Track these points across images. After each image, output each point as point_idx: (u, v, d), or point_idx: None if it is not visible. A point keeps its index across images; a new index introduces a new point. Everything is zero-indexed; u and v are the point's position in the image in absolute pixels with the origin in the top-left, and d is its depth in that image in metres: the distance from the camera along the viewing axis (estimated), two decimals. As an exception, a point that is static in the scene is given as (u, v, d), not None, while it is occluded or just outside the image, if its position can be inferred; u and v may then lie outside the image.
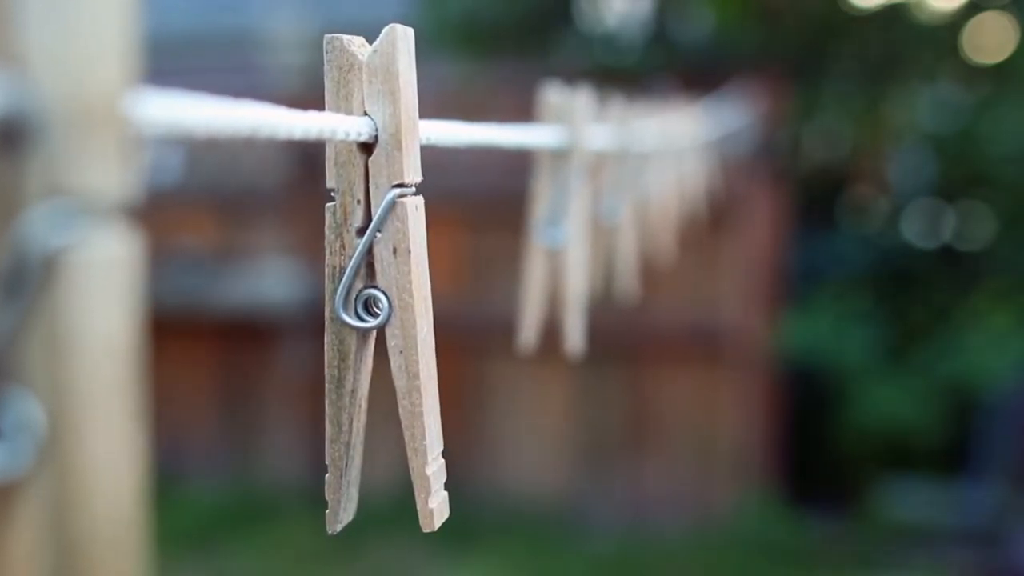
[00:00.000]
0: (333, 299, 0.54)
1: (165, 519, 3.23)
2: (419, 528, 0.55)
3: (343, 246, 0.54)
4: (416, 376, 0.54)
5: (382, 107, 0.53)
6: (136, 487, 0.33)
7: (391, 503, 2.79)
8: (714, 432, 3.52)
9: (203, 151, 3.60)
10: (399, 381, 0.55)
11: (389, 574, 3.26)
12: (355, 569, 3.26)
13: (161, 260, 3.64)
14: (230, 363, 3.90)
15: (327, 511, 0.56)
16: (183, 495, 3.64)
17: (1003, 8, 3.66)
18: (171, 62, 3.58)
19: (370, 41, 0.55)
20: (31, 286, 0.31)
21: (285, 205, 3.75)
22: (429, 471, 0.55)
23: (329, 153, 0.54)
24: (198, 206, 3.82)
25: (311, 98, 0.59)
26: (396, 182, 0.53)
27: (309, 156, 3.61)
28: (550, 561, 3.33)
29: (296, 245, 3.70)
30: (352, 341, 0.55)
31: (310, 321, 3.61)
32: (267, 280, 3.73)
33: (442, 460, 0.57)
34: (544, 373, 3.60)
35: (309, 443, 3.73)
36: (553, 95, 0.97)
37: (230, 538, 3.43)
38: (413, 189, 0.55)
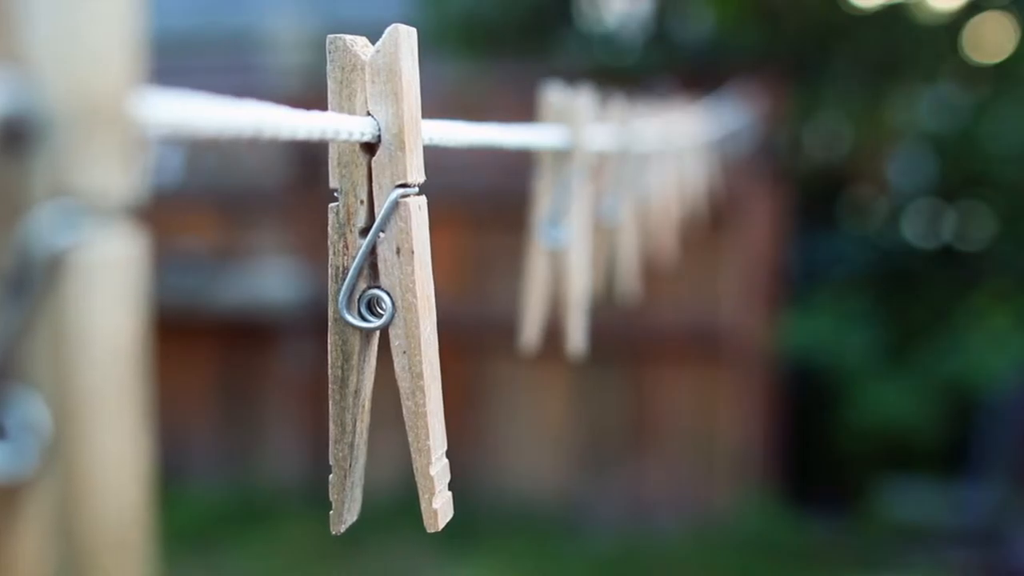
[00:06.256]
0: (336, 299, 0.54)
1: (165, 519, 3.23)
2: (420, 528, 0.55)
3: (346, 246, 0.54)
4: (420, 376, 0.54)
5: (385, 107, 0.53)
6: (141, 487, 0.33)
7: (392, 503, 2.79)
8: (714, 432, 3.52)
9: (203, 151, 3.60)
10: (402, 381, 0.54)
11: (390, 574, 3.26)
12: (356, 569, 3.26)
13: (161, 260, 3.64)
14: (230, 363, 3.90)
15: (331, 512, 0.56)
16: (183, 495, 3.64)
17: (1003, 8, 3.66)
18: (171, 62, 3.59)
19: (372, 41, 0.55)
20: (36, 286, 0.31)
21: (285, 205, 3.75)
22: (433, 471, 0.55)
23: (332, 153, 0.54)
24: (198, 206, 3.81)
25: (311, 98, 0.59)
26: (399, 182, 0.53)
27: (309, 156, 3.61)
28: (550, 561, 3.33)
29: (297, 245, 3.70)
30: (356, 341, 0.55)
31: (310, 321, 3.61)
32: (267, 280, 3.73)
33: (446, 460, 0.57)
34: (544, 373, 3.60)
35: (309, 443, 3.73)
36: (554, 95, 0.97)
37: (230, 538, 3.43)
38: (416, 189, 0.55)
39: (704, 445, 3.53)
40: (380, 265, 0.54)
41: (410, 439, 0.55)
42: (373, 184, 0.54)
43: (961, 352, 3.46)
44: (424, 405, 0.54)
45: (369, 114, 0.54)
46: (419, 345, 0.54)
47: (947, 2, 3.61)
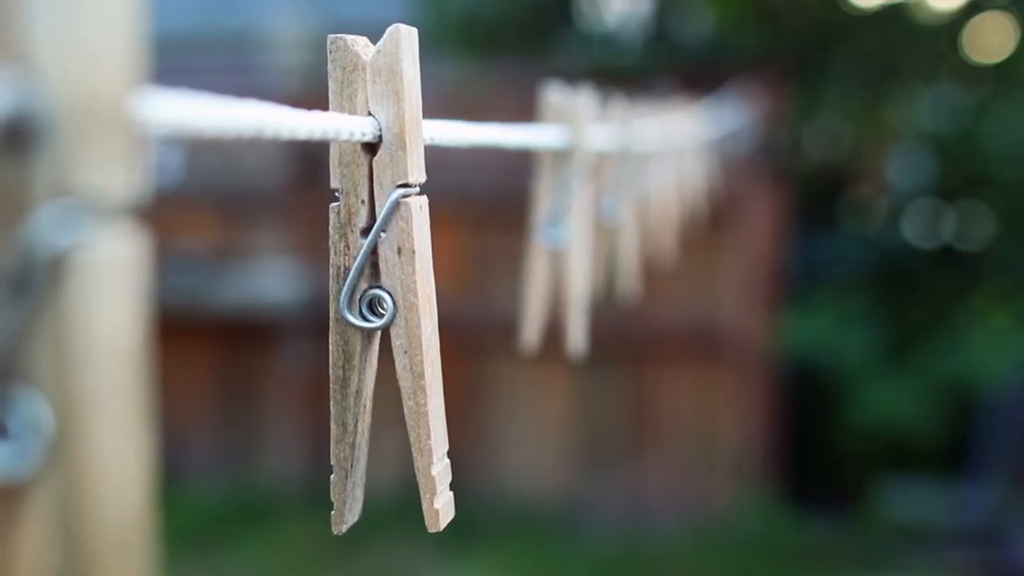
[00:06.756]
0: (338, 299, 0.54)
1: (165, 519, 3.23)
2: (420, 527, 0.55)
3: (347, 246, 0.54)
4: (421, 376, 0.54)
5: (386, 107, 0.53)
6: (143, 487, 0.33)
7: (391, 503, 2.79)
8: (714, 432, 3.52)
9: (203, 151, 3.59)
10: (404, 381, 0.54)
11: (390, 574, 3.26)
12: (356, 569, 3.26)
13: (161, 260, 3.64)
14: (230, 363, 3.90)
15: (332, 512, 0.56)
16: (183, 495, 3.64)
17: (1003, 8, 3.66)
18: (171, 62, 3.58)
19: (373, 41, 0.55)
20: (38, 286, 0.31)
21: (285, 205, 3.75)
22: (434, 471, 0.55)
23: (333, 153, 0.54)
24: (198, 206, 3.81)
25: (311, 98, 0.58)
26: (400, 182, 0.53)
27: (309, 156, 3.61)
28: (550, 561, 3.33)
29: (296, 245, 3.70)
30: (357, 341, 0.55)
31: (310, 321, 3.61)
32: (267, 280, 3.73)
33: (447, 460, 0.57)
34: (544, 373, 3.60)
35: (309, 443, 3.73)
36: (554, 95, 0.97)
37: (230, 538, 3.43)
38: (417, 189, 0.55)
39: (704, 445, 3.53)
40: (381, 265, 0.54)
41: (411, 439, 0.55)
42: (374, 184, 0.54)
43: (961, 352, 3.46)
44: (425, 405, 0.54)
45: (370, 114, 0.54)
46: (420, 345, 0.54)
47: (947, 2, 3.61)
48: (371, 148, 0.54)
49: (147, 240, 0.34)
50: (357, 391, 0.55)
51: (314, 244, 3.60)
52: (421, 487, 0.55)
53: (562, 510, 3.58)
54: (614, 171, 1.26)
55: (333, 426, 0.55)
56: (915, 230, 3.91)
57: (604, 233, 1.25)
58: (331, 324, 0.55)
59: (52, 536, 0.32)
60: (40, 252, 0.31)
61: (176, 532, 3.36)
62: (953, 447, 3.54)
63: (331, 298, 0.55)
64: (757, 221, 3.47)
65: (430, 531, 0.55)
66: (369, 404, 0.57)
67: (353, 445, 0.56)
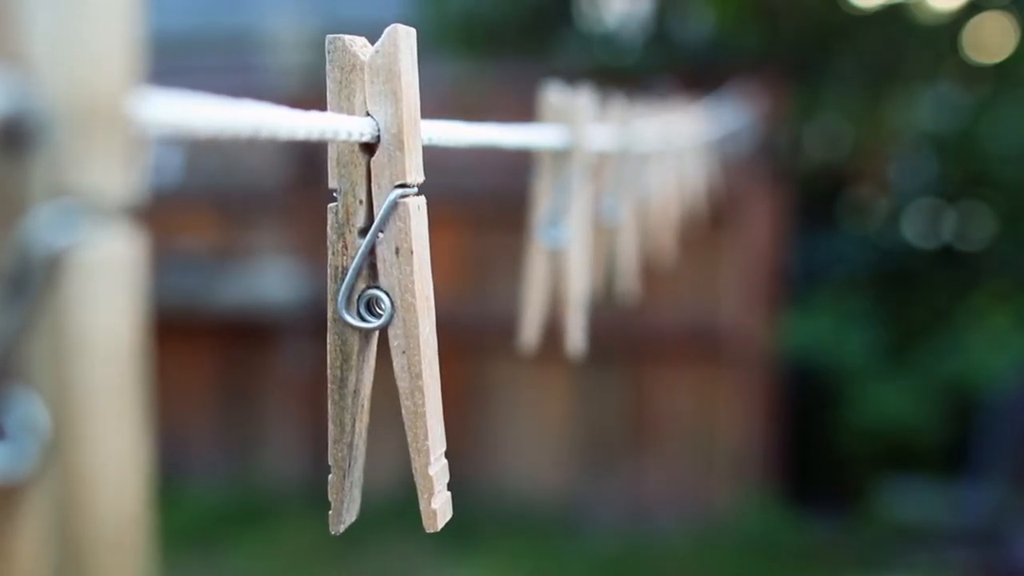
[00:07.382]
0: (335, 299, 0.54)
1: (165, 519, 3.23)
2: (419, 528, 0.55)
3: (345, 246, 0.54)
4: (419, 376, 0.54)
5: (384, 107, 0.53)
6: (140, 487, 0.33)
7: (391, 503, 2.79)
8: (714, 432, 3.52)
9: (203, 151, 3.60)
10: (401, 381, 0.55)
11: (390, 574, 3.26)
12: (356, 569, 3.26)
13: (161, 260, 3.64)
14: (230, 363, 3.90)
15: (330, 512, 0.56)
16: (183, 495, 3.64)
17: (1003, 8, 3.66)
18: (171, 62, 3.59)
19: (372, 41, 0.55)
20: (36, 286, 0.31)
21: (285, 205, 3.75)
22: (432, 471, 0.55)
23: (331, 153, 0.54)
24: (198, 206, 3.81)
25: (310, 98, 0.59)
26: (398, 182, 0.53)
27: (309, 156, 3.61)
28: (550, 561, 3.33)
29: (296, 245, 3.70)
30: (355, 342, 0.55)
31: (310, 321, 3.61)
32: (267, 280, 3.73)
33: (445, 460, 0.57)
34: (544, 373, 3.60)
35: (309, 443, 3.73)
36: (554, 95, 0.97)
37: (230, 538, 3.43)
38: (415, 189, 0.55)
39: (704, 445, 3.53)
40: (379, 265, 0.54)
41: (409, 439, 0.55)
42: (372, 184, 0.54)
43: (961, 352, 3.46)
44: (423, 405, 0.54)
45: (368, 114, 0.54)
46: (418, 345, 0.54)
47: (947, 2, 3.61)
48: (369, 148, 0.54)
49: (145, 240, 0.34)
50: (355, 391, 0.55)
51: (314, 244, 3.60)
52: (419, 487, 0.55)
53: (562, 510, 3.58)
54: (614, 171, 1.26)
55: (331, 426, 0.55)
56: (915, 230, 3.91)
57: (604, 233, 1.25)
58: (329, 324, 0.55)
59: (49, 537, 0.32)
60: (37, 252, 0.31)
61: (176, 532, 3.36)
62: (953, 447, 3.54)
63: (329, 298, 0.55)
64: (757, 221, 3.47)
65: (428, 531, 0.55)
66: (367, 404, 0.57)
67: (351, 445, 0.56)
